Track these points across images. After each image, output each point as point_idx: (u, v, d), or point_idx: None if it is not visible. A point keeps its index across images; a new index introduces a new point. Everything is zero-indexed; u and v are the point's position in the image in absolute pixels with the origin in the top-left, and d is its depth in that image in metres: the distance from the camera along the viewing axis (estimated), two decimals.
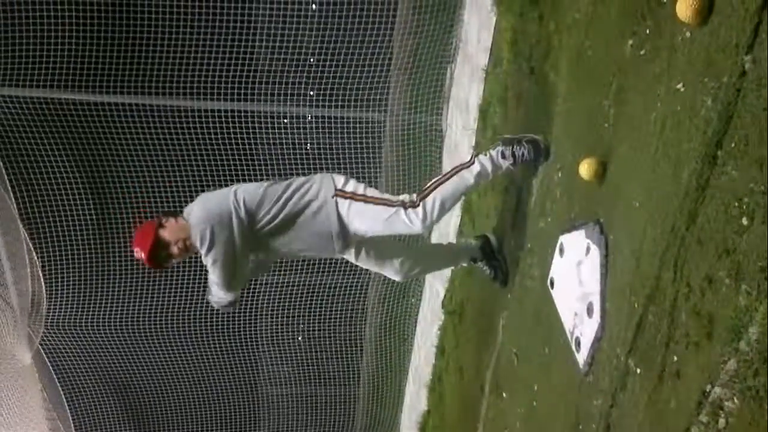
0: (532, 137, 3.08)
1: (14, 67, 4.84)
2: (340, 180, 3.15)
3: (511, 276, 3.49)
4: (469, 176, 3.07)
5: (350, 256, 3.37)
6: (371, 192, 3.14)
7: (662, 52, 2.11)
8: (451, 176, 3.09)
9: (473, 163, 3.08)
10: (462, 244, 4.28)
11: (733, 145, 1.71)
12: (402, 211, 3.06)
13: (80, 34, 4.80)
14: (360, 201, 3.10)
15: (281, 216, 3.07)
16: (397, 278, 3.58)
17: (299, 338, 6.72)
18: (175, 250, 3.06)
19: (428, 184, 3.11)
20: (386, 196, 3.15)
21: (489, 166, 3.05)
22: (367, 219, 3.10)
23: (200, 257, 3.11)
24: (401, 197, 3.12)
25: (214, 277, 3.12)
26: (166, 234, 3.05)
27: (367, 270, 6.16)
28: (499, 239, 3.67)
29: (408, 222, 3.06)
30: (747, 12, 1.70)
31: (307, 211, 3.09)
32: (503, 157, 3.05)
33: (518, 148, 3.04)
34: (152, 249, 3.03)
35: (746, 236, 1.63)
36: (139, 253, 3.07)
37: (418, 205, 3.05)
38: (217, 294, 3.23)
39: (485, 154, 3.08)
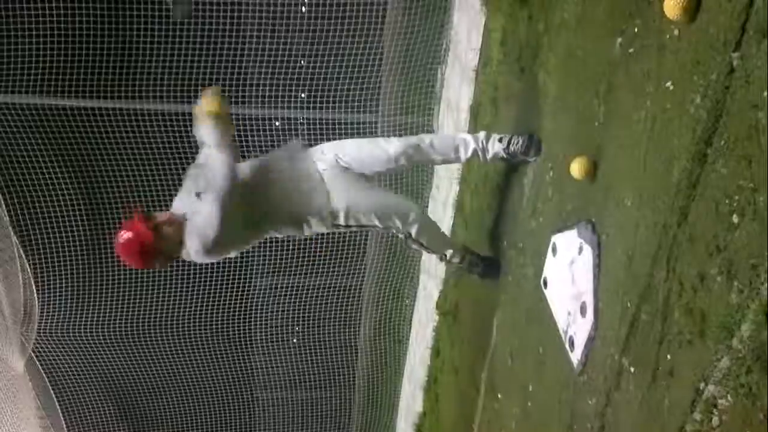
0: (528, 131, 3.14)
1: (3, 73, 4.81)
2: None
3: (504, 276, 3.48)
4: (458, 138, 3.21)
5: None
6: None
7: (651, 50, 2.11)
8: (444, 134, 3.20)
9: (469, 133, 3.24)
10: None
11: (722, 142, 1.71)
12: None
13: (70, 39, 4.78)
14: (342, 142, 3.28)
15: (258, 167, 3.12)
16: (408, 225, 3.27)
17: (293, 340, 6.71)
18: (163, 218, 2.97)
19: None
20: None
21: (481, 137, 3.16)
22: (347, 144, 3.23)
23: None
24: None
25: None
26: (158, 244, 2.94)
27: (360, 271, 6.19)
28: (488, 246, 3.68)
29: (386, 137, 3.20)
30: (734, 9, 1.71)
31: (284, 160, 3.15)
32: (499, 141, 3.13)
33: (515, 137, 3.12)
34: (140, 219, 2.91)
35: (737, 233, 1.63)
36: (126, 234, 2.91)
37: None
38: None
39: (483, 132, 3.22)
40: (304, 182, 3.13)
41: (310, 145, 3.34)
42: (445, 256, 3.52)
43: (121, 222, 3.01)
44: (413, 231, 3.26)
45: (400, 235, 3.32)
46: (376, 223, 3.20)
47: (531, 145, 3.06)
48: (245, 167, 3.15)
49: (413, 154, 3.21)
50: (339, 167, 3.19)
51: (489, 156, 3.19)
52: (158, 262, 3.06)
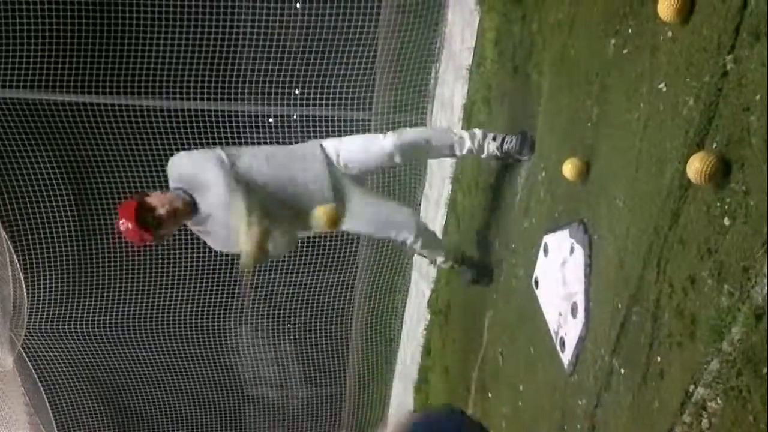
0: (521, 130, 3.14)
1: None
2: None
3: (496, 276, 3.48)
4: (452, 135, 3.20)
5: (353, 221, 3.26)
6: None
7: (644, 51, 2.11)
8: (439, 128, 3.18)
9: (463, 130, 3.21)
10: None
11: (714, 145, 1.71)
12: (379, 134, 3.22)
13: (62, 34, 4.74)
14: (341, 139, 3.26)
15: (261, 163, 3.04)
16: (404, 234, 3.33)
17: (284, 338, 6.69)
18: (162, 212, 2.85)
19: None
20: None
21: (478, 135, 3.15)
22: (347, 144, 3.20)
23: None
24: None
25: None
26: (151, 199, 2.88)
27: (353, 268, 6.18)
28: (480, 247, 3.68)
29: (381, 135, 3.17)
30: (728, 12, 1.70)
31: (296, 164, 3.09)
32: (493, 139, 3.14)
33: (508, 137, 3.13)
34: (138, 211, 2.81)
35: (728, 236, 1.63)
36: (126, 223, 2.82)
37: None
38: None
39: (478, 129, 3.21)
40: (312, 184, 3.11)
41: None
42: (435, 261, 3.56)
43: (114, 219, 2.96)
44: (408, 242, 3.34)
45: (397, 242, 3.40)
46: (374, 236, 3.27)
47: (524, 144, 3.07)
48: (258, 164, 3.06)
49: (408, 150, 3.21)
50: (345, 176, 3.20)
51: (484, 155, 3.20)
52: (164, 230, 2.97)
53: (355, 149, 3.19)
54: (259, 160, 3.05)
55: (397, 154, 3.15)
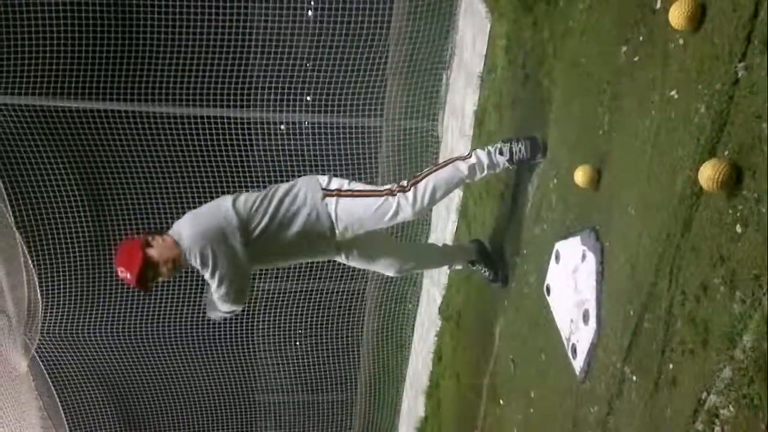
0: (529, 134, 3.11)
1: (9, 75, 4.84)
2: (324, 180, 3.12)
3: (508, 281, 3.48)
4: (463, 167, 3.06)
5: (342, 258, 3.32)
6: (357, 185, 3.11)
7: (656, 59, 2.11)
8: (446, 165, 3.09)
9: (470, 156, 3.09)
10: (457, 245, 4.28)
11: (726, 152, 1.71)
12: (390, 198, 3.03)
13: (78, 41, 4.80)
14: (347, 197, 3.06)
15: (273, 227, 3.02)
16: (390, 272, 3.47)
17: (296, 343, 6.71)
18: (164, 270, 2.92)
19: (422, 172, 3.11)
20: (372, 187, 3.13)
21: (485, 160, 3.05)
22: (357, 213, 3.05)
23: (193, 273, 3.07)
24: (387, 186, 3.10)
25: (221, 292, 2.99)
26: (154, 253, 2.90)
27: (363, 276, 6.20)
28: (494, 243, 3.66)
29: (397, 207, 3.02)
30: (740, 20, 1.71)
31: (298, 218, 3.04)
32: (500, 153, 3.06)
33: (516, 144, 3.05)
34: (141, 270, 2.87)
35: (740, 244, 1.63)
36: (125, 273, 2.90)
37: (409, 189, 3.04)
38: (222, 308, 3.11)
39: (483, 149, 3.11)
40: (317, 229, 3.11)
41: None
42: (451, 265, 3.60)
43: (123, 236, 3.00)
44: (394, 274, 3.50)
45: None
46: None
47: (535, 149, 3.05)
48: (246, 208, 3.04)
49: (426, 211, 3.26)
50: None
51: (498, 170, 3.16)
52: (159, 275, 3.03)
53: (370, 222, 3.08)
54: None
55: (417, 217, 3.17)
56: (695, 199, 1.83)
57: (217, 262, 2.90)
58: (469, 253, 3.65)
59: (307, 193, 3.06)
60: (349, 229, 3.10)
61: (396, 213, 3.04)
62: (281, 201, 3.05)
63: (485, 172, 3.09)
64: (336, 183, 3.10)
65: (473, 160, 3.06)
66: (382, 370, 6.74)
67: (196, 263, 2.92)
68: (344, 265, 3.57)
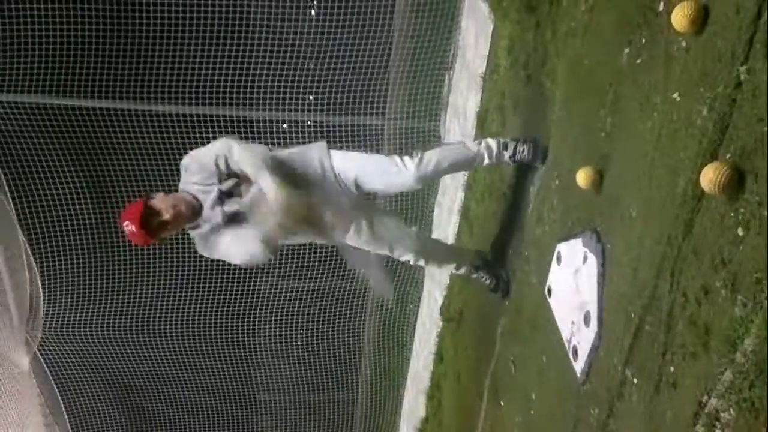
0: (533, 137, 3.14)
1: (12, 73, 4.85)
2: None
3: (509, 293, 3.48)
4: (471, 148, 3.15)
5: (352, 232, 3.23)
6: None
7: (658, 61, 2.11)
8: (455, 144, 3.22)
9: (480, 142, 3.17)
10: (461, 249, 4.28)
11: (728, 155, 1.71)
12: (396, 157, 3.09)
13: (81, 39, 4.81)
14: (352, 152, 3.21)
15: (288, 164, 3.04)
16: (407, 256, 3.38)
17: (297, 343, 6.71)
18: (167, 216, 2.87)
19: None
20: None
21: (494, 148, 3.13)
22: (360, 160, 3.11)
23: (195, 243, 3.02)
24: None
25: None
26: (155, 202, 2.90)
27: (365, 276, 6.19)
28: (495, 253, 3.67)
29: (402, 165, 3.04)
30: (742, 22, 1.70)
31: (310, 164, 3.05)
32: (505, 148, 3.13)
33: (520, 144, 3.12)
34: (143, 215, 2.83)
35: (742, 247, 1.63)
36: (130, 226, 2.85)
37: (417, 155, 3.09)
38: (255, 248, 2.92)
39: (493, 138, 3.19)
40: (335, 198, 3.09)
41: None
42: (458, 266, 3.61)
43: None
44: (411, 262, 3.43)
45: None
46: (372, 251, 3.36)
47: (537, 153, 3.07)
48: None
49: (431, 179, 3.30)
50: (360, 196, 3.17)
51: (500, 163, 3.23)
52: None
53: (373, 174, 3.10)
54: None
55: (420, 184, 3.16)
56: (697, 202, 1.82)
57: (242, 152, 2.95)
58: (473, 258, 3.65)
59: (313, 147, 3.14)
60: (351, 176, 3.07)
61: (399, 171, 3.06)
62: (291, 152, 3.11)
63: (492, 159, 3.14)
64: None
65: (483, 145, 3.15)
66: (384, 370, 6.75)
67: (212, 172, 2.92)
68: (346, 264, 3.56)
